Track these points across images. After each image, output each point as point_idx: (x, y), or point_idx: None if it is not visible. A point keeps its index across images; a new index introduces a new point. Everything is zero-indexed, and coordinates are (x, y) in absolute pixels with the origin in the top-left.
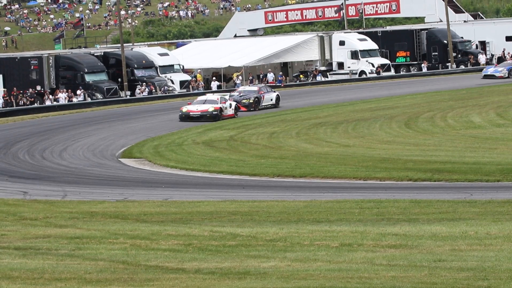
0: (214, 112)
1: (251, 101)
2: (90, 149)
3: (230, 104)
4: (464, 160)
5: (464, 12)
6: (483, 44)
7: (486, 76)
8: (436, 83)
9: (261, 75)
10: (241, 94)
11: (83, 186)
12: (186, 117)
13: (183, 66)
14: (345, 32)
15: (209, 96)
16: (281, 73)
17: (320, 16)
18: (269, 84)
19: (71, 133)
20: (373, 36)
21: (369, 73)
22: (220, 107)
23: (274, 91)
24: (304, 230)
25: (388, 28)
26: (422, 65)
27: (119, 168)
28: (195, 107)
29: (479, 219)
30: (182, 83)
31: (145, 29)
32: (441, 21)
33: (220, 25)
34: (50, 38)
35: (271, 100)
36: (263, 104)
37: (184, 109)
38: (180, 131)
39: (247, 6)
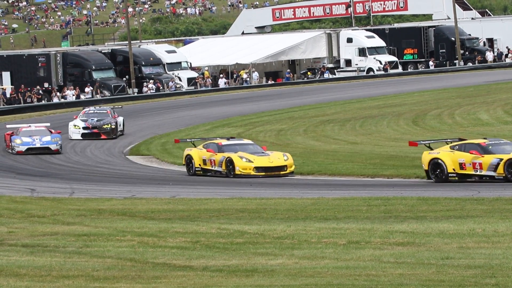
0: None
1: (112, 126)
2: (97, 146)
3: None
4: None
5: (471, 9)
6: (490, 42)
7: None
8: (444, 80)
9: (234, 75)
10: (96, 118)
11: (91, 184)
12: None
13: (190, 64)
14: (352, 29)
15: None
16: (288, 70)
17: (327, 13)
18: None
19: None
20: (380, 33)
21: (377, 70)
22: None
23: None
24: (311, 228)
25: (396, 25)
26: (430, 62)
27: (126, 165)
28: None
29: (486, 217)
30: (190, 80)
31: (152, 26)
32: (448, 18)
33: (227, 22)
34: (58, 35)
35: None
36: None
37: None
38: (188, 128)
39: (255, 3)
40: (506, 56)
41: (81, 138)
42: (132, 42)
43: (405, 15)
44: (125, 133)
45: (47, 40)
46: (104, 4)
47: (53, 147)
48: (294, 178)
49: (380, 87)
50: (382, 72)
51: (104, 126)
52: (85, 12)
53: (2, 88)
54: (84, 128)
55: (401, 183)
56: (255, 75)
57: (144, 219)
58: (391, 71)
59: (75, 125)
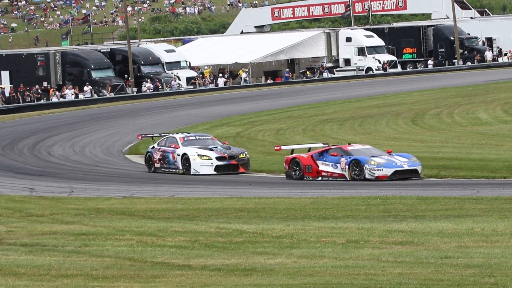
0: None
1: (247, 156)
2: (96, 146)
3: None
4: (470, 156)
5: (470, 9)
6: (489, 41)
7: None
8: (443, 79)
9: (226, 75)
10: (218, 146)
11: (90, 183)
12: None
13: (189, 63)
14: (351, 29)
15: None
16: (287, 69)
17: (327, 12)
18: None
19: (77, 129)
20: (379, 32)
21: (376, 69)
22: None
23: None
24: (310, 227)
25: (395, 24)
26: (429, 61)
27: (125, 164)
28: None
29: (485, 216)
30: (189, 80)
31: (151, 26)
32: (447, 17)
33: (226, 21)
34: (57, 34)
35: None
36: None
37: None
38: (187, 127)
39: (254, 2)
40: (505, 55)
41: (215, 173)
42: (131, 41)
43: (404, 15)
44: (125, 132)
45: (45, 39)
46: (103, 3)
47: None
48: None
49: (379, 87)
50: (381, 72)
51: (240, 156)
52: (84, 11)
53: (1, 87)
54: (218, 158)
55: (400, 183)
56: (244, 75)
57: (143, 218)
58: (390, 71)
59: (201, 155)
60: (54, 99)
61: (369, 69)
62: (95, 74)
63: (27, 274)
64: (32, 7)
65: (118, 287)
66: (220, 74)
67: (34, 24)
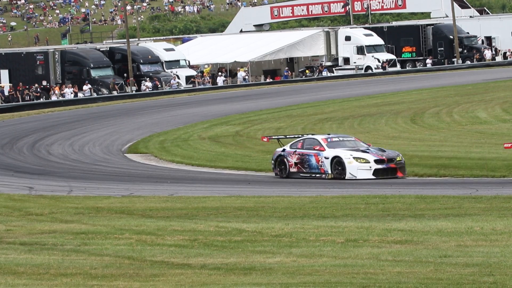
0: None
1: (403, 159)
2: (95, 144)
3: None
4: (469, 155)
5: (470, 8)
6: (489, 40)
7: None
8: (442, 78)
9: (221, 73)
10: (372, 147)
11: (89, 182)
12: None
13: (189, 62)
14: (351, 28)
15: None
16: (287, 68)
17: (326, 11)
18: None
19: (77, 128)
20: (379, 31)
21: (375, 68)
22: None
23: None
24: (309, 226)
25: (394, 23)
26: (427, 60)
27: (125, 163)
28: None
29: (484, 215)
30: (188, 79)
31: (151, 24)
32: (447, 16)
33: (226, 20)
34: (56, 33)
35: None
36: None
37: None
38: (186, 126)
39: (253, 1)
40: (504, 54)
41: (373, 177)
42: (130, 40)
43: (403, 13)
44: (124, 131)
45: (45, 38)
46: (102, 2)
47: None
48: (292, 176)
49: (378, 85)
50: (381, 70)
51: (398, 159)
52: (83, 10)
53: (1, 86)
54: (377, 161)
55: (399, 181)
56: (240, 74)
57: (142, 217)
58: (389, 69)
59: (358, 158)
60: (54, 98)
61: (368, 68)
62: (94, 73)
63: (26, 273)
64: (31, 6)
65: (117, 286)
66: (220, 73)
67: (33, 23)
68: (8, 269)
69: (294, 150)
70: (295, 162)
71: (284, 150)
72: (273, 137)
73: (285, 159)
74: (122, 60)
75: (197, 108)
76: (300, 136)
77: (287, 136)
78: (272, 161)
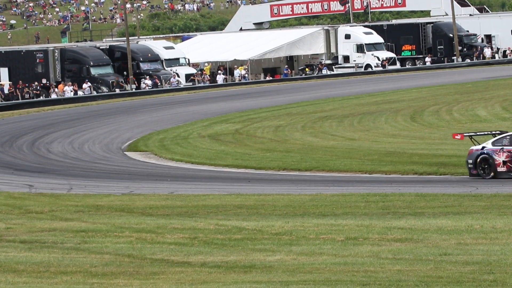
0: None
1: None
2: (95, 143)
3: None
4: None
5: (469, 6)
6: (488, 38)
7: None
8: (442, 76)
9: (204, 76)
10: None
11: (89, 180)
12: None
13: (188, 60)
14: (350, 26)
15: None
16: (286, 66)
17: (325, 9)
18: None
19: (76, 126)
20: (378, 29)
21: (375, 66)
22: None
23: None
24: (309, 224)
25: (394, 21)
26: (427, 58)
27: (124, 161)
28: None
29: (484, 213)
30: (188, 77)
31: (150, 23)
32: (446, 14)
33: (225, 18)
34: (56, 31)
35: None
36: None
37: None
38: (186, 124)
39: None
40: (504, 52)
41: None
42: (130, 38)
43: (403, 12)
44: (124, 129)
45: (45, 36)
46: (102, 0)
47: None
48: (292, 174)
49: (378, 84)
50: (380, 69)
51: None
52: (83, 8)
53: (0, 84)
54: None
55: (399, 179)
56: (237, 72)
57: (142, 215)
58: (389, 68)
59: None
60: (53, 96)
61: (368, 66)
62: (94, 71)
63: (26, 271)
64: (31, 4)
65: (117, 284)
66: (219, 71)
67: (33, 21)
68: (8, 267)
69: (501, 147)
70: (503, 161)
71: (483, 148)
72: (467, 134)
73: (491, 157)
74: (121, 58)
75: (196, 106)
76: (495, 132)
77: (478, 133)
78: (470, 161)
